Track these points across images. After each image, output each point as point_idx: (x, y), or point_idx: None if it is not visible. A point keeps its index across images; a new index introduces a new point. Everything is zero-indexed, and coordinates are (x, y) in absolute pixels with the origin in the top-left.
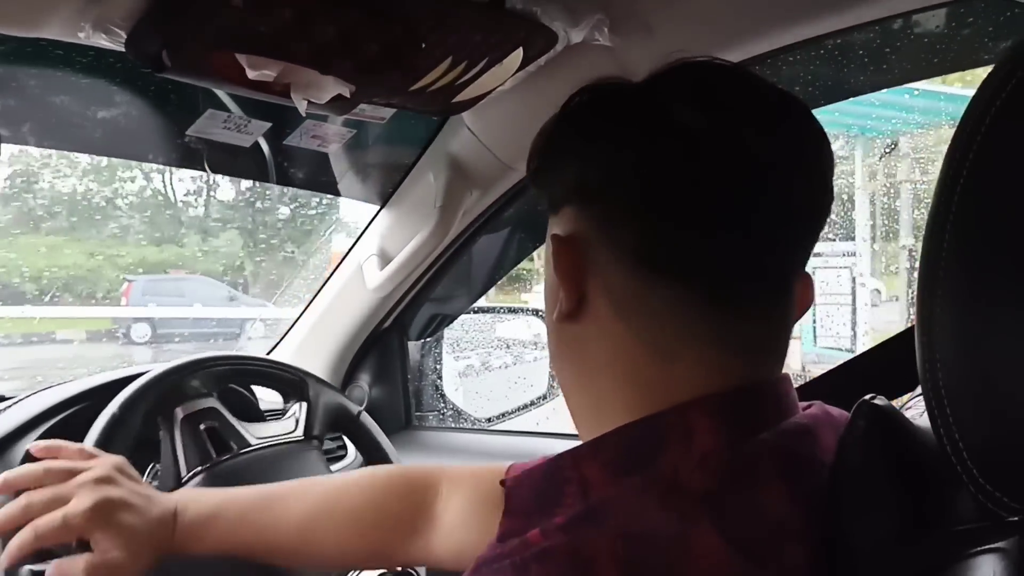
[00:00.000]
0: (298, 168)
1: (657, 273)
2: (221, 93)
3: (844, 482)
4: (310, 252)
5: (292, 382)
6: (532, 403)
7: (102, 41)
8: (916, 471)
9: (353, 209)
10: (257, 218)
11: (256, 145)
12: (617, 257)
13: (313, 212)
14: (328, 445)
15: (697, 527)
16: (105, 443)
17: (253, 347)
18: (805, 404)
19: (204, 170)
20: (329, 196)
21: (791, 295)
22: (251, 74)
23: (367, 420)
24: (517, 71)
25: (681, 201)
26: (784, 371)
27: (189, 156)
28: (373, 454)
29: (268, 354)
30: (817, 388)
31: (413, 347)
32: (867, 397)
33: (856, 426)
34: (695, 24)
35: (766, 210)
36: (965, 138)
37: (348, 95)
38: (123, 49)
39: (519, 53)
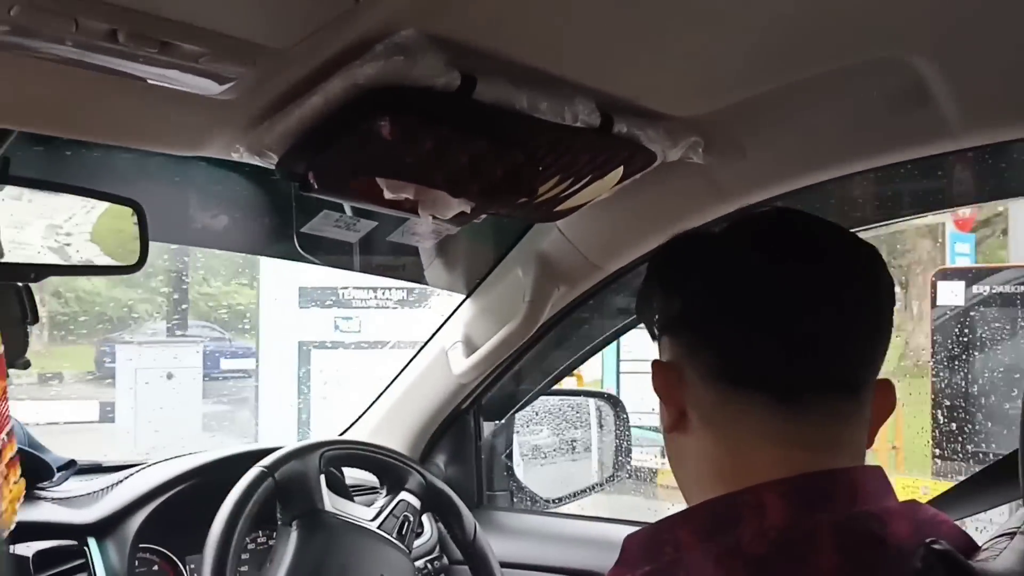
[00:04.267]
0: (387, 258)
1: (732, 387)
2: None
3: None
4: None
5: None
6: (599, 485)
7: (255, 161)
8: None
9: None
10: None
11: None
12: (701, 375)
13: None
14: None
15: None
16: (230, 528)
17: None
18: (903, 501)
19: (295, 259)
20: None
21: (862, 398)
22: (388, 195)
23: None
24: (615, 185)
25: (744, 327)
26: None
27: (278, 245)
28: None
29: (343, 433)
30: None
31: (486, 427)
32: (928, 541)
33: (912, 567)
34: (784, 148)
35: (822, 329)
36: None
37: (468, 211)
38: (272, 168)
39: (620, 170)
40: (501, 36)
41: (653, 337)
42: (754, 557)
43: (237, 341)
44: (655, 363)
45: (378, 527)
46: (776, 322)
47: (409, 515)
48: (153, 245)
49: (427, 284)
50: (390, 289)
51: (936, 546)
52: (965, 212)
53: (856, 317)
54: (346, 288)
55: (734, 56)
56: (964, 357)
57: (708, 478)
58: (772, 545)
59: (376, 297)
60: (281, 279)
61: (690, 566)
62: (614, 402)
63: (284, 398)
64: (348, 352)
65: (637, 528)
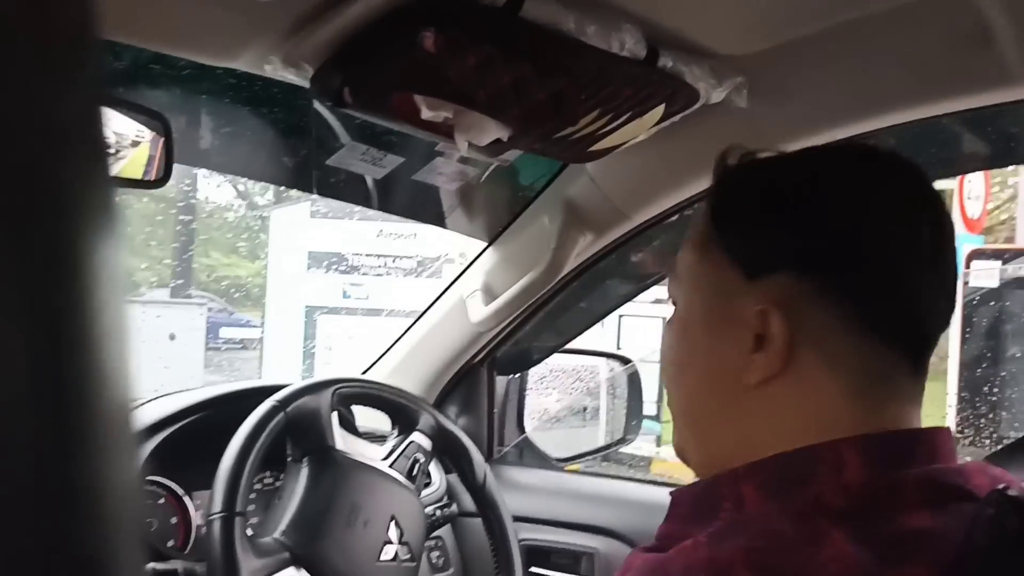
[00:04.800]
0: (407, 198)
1: (878, 336)
2: (334, 120)
3: (970, 563)
4: None
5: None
6: (610, 446)
7: (289, 76)
8: None
9: None
10: None
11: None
12: (839, 321)
13: None
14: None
15: (828, 536)
16: (241, 460)
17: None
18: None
19: (311, 191)
20: None
21: None
22: (425, 114)
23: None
24: (654, 126)
25: (900, 268)
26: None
27: (297, 176)
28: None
29: (363, 374)
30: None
31: (499, 381)
32: (1000, 487)
33: (985, 512)
34: (832, 93)
35: (946, 281)
36: None
37: (505, 139)
38: (307, 85)
39: (660, 109)
40: None
41: (751, 273)
42: (835, 511)
43: (237, 313)
44: (768, 310)
45: (389, 467)
46: (924, 270)
47: (420, 456)
48: (159, 215)
49: (448, 229)
50: (400, 258)
51: (1010, 492)
52: (975, 213)
53: (948, 268)
54: (355, 254)
55: None
56: (996, 336)
57: (802, 431)
58: (853, 500)
59: (386, 265)
60: (291, 242)
61: (756, 524)
62: (628, 364)
63: (289, 361)
64: (355, 318)
65: (653, 494)
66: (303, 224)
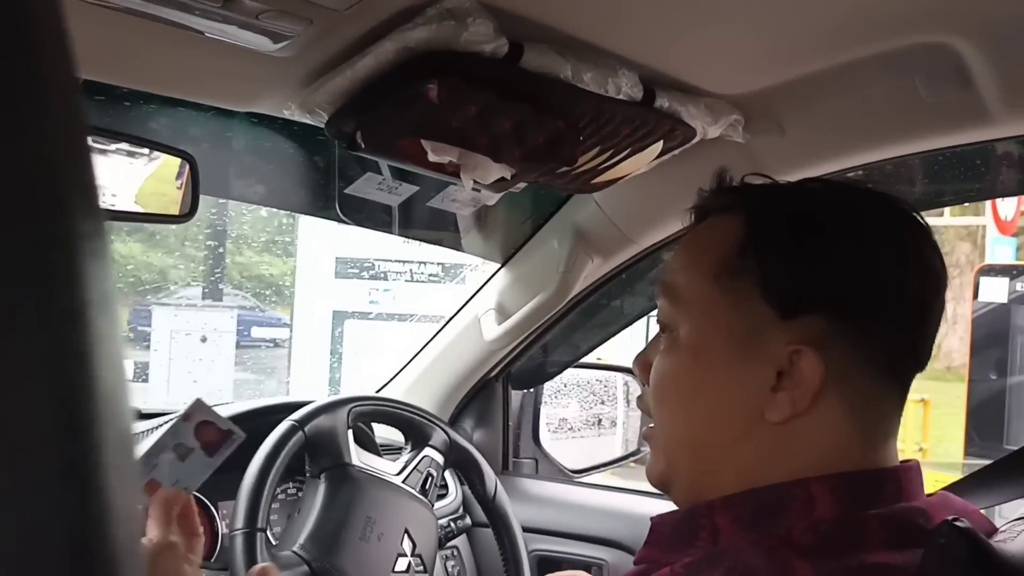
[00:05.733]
0: (424, 223)
1: (891, 380)
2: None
3: None
4: None
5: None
6: (623, 458)
7: (306, 119)
8: None
9: None
10: None
11: None
12: (863, 363)
13: None
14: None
15: (795, 573)
16: (262, 478)
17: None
18: (929, 494)
19: (337, 219)
20: None
21: None
22: (432, 157)
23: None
24: (654, 160)
25: (924, 314)
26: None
27: (320, 204)
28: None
29: (379, 391)
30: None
31: (514, 396)
32: (950, 518)
33: (936, 542)
34: (823, 130)
35: (938, 324)
36: None
37: (509, 177)
38: (322, 126)
39: (659, 144)
40: (550, 6)
41: (785, 313)
42: (804, 548)
43: (269, 312)
44: (805, 351)
45: (402, 481)
46: (937, 315)
47: (432, 471)
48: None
49: (464, 251)
50: (425, 263)
51: (958, 523)
52: (1008, 215)
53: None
54: (382, 260)
55: (778, 37)
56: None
57: (805, 467)
58: (822, 538)
59: (412, 271)
60: (318, 248)
61: (736, 557)
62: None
63: (317, 365)
64: (382, 323)
65: (665, 509)
66: (330, 230)
